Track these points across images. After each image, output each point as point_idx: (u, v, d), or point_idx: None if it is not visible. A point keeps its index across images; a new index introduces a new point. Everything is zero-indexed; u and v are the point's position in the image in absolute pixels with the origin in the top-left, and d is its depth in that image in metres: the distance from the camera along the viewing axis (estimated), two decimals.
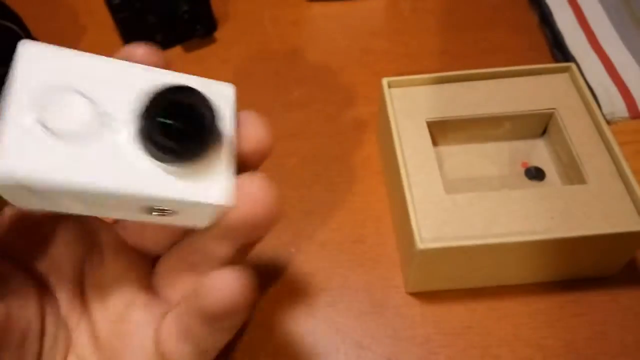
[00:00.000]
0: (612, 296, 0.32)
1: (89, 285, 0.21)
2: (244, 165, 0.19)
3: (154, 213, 0.16)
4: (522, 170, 0.35)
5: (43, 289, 0.20)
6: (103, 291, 0.21)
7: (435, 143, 0.33)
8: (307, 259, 0.35)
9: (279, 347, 0.32)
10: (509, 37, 0.47)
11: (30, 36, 0.43)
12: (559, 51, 0.44)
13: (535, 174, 0.35)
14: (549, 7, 0.47)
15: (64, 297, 0.20)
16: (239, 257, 0.20)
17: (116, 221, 0.23)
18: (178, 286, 0.22)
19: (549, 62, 0.45)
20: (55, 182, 0.14)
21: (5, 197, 0.15)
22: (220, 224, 0.17)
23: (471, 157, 0.36)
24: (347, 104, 0.44)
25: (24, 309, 0.19)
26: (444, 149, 0.36)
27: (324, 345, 0.32)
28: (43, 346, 0.19)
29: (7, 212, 0.20)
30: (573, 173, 0.33)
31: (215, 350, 0.21)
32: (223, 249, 0.19)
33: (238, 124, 0.18)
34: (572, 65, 0.36)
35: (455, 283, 0.33)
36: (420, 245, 0.28)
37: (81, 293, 0.21)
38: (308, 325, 0.32)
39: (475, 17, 0.50)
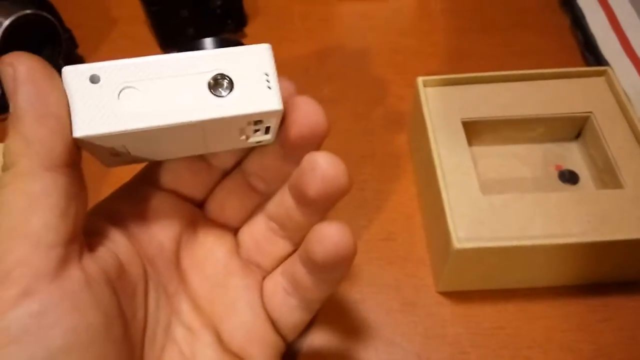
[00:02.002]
0: None
1: (185, 257, 0.22)
2: (304, 148, 0.20)
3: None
4: (556, 173, 0.35)
5: (144, 255, 0.21)
6: (198, 260, 0.23)
7: (468, 143, 0.33)
8: None
9: (310, 343, 0.32)
10: (540, 40, 0.47)
11: (64, 28, 0.44)
12: (591, 54, 0.44)
13: (569, 177, 0.35)
14: (582, 9, 0.47)
15: (163, 265, 0.21)
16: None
17: (203, 202, 0.24)
18: (266, 250, 0.24)
19: (580, 65, 0.45)
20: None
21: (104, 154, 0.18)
22: (285, 139, 0.20)
23: (504, 158, 0.36)
24: (376, 103, 0.44)
25: (131, 265, 0.20)
26: (477, 149, 0.36)
27: (354, 341, 0.32)
28: (148, 306, 0.20)
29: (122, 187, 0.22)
30: (609, 177, 0.33)
31: (319, 302, 0.23)
32: (289, 168, 0.21)
33: (292, 108, 0.19)
34: (609, 69, 0.36)
35: (486, 284, 0.33)
36: (457, 244, 0.28)
37: (177, 263, 0.22)
38: (339, 321, 0.33)
39: (505, 19, 0.49)
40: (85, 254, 0.17)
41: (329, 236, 0.19)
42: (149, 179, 0.22)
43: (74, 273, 0.16)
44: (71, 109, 0.16)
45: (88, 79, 0.16)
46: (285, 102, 0.18)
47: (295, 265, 0.22)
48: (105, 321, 0.17)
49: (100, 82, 0.16)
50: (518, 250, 0.29)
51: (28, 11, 0.39)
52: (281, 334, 0.24)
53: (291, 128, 0.19)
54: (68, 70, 0.16)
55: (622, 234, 0.29)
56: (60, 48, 0.42)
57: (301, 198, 0.21)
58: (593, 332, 0.32)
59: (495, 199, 0.31)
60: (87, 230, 0.18)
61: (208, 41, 0.19)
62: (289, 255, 0.24)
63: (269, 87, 0.18)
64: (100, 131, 0.16)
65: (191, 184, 0.23)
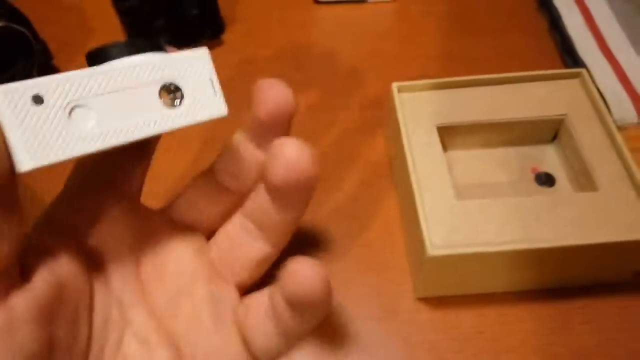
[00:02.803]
0: (622, 302, 0.32)
1: (144, 263, 0.21)
2: (271, 130, 0.20)
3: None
4: (532, 175, 0.35)
5: (93, 266, 0.20)
6: (160, 266, 0.21)
7: (444, 148, 0.33)
8: None
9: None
10: (519, 42, 0.47)
11: (38, 39, 0.43)
12: (569, 56, 0.44)
13: (546, 179, 0.35)
14: (558, 10, 0.47)
15: (117, 275, 0.20)
16: None
17: (167, 206, 0.23)
18: (242, 252, 0.23)
19: (559, 67, 0.45)
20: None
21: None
22: (254, 120, 0.20)
23: (480, 162, 0.36)
24: (355, 108, 0.44)
25: (75, 283, 0.18)
26: (453, 153, 0.36)
27: (332, 350, 0.31)
28: (93, 324, 0.19)
29: (63, 190, 0.20)
30: (584, 180, 0.33)
31: (298, 337, 0.22)
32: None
33: (258, 89, 0.20)
34: (583, 70, 0.36)
35: (464, 289, 0.32)
36: (431, 251, 0.28)
37: (136, 271, 0.21)
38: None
39: (484, 22, 0.49)
40: (13, 289, 0.16)
41: (301, 272, 0.19)
42: (89, 179, 0.20)
43: None
44: (10, 137, 0.14)
45: (29, 100, 0.14)
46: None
47: (276, 295, 0.21)
48: None
49: (45, 102, 0.15)
50: (494, 256, 0.29)
51: None
52: (253, 355, 0.22)
53: (259, 108, 0.19)
54: (1, 92, 0.14)
55: (596, 238, 0.28)
56: (33, 59, 0.42)
57: (271, 188, 0.20)
58: (571, 335, 0.31)
59: (470, 204, 0.30)
60: (27, 249, 0.17)
61: (118, 46, 0.18)
62: (266, 258, 0.23)
63: (215, 93, 0.18)
64: (53, 160, 0.15)
65: (130, 176, 0.21)
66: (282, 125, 0.20)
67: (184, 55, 0.17)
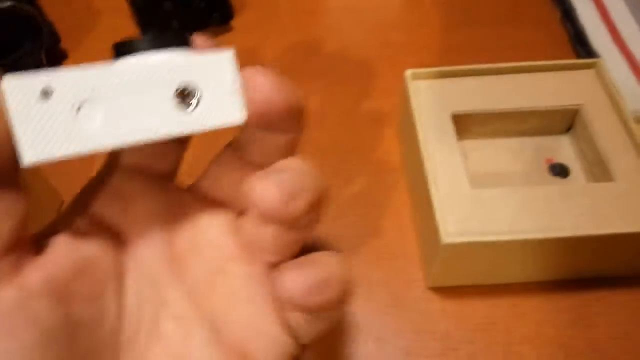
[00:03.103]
0: (635, 295, 0.32)
1: (177, 242, 0.20)
2: (275, 124, 0.18)
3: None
4: (546, 166, 0.35)
5: (124, 246, 0.19)
6: (193, 246, 0.20)
7: (458, 137, 0.33)
8: None
9: None
10: (531, 33, 0.47)
11: (45, 21, 0.43)
12: (581, 47, 0.44)
13: (560, 170, 0.34)
14: (572, 2, 0.46)
15: (150, 255, 0.20)
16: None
17: (196, 183, 0.22)
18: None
19: (571, 58, 0.45)
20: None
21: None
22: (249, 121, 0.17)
23: (494, 151, 0.36)
24: (365, 97, 0.43)
25: (100, 261, 0.18)
26: (467, 143, 0.36)
27: (343, 339, 0.31)
28: (125, 304, 0.19)
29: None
30: (599, 170, 0.32)
31: (333, 316, 0.20)
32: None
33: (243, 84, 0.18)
34: (599, 61, 0.35)
35: (477, 279, 0.32)
36: (446, 239, 0.28)
37: (169, 250, 0.20)
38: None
39: (496, 12, 0.49)
40: (27, 265, 0.16)
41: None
42: (118, 161, 0.20)
43: (4, 292, 0.15)
44: (16, 129, 0.14)
45: (37, 94, 0.14)
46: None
47: None
48: (42, 339, 0.15)
49: (53, 97, 0.14)
50: (508, 245, 0.28)
51: (7, 3, 0.38)
52: (293, 335, 0.21)
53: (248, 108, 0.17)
54: (10, 83, 0.14)
55: (612, 228, 0.28)
56: (41, 42, 0.41)
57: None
58: (585, 327, 0.31)
59: (484, 193, 0.30)
60: (53, 229, 0.17)
61: (144, 39, 0.17)
62: (297, 239, 0.21)
63: (234, 99, 0.17)
64: (56, 155, 0.14)
65: (161, 157, 0.20)
66: (290, 120, 0.18)
67: (208, 57, 0.17)
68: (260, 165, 0.20)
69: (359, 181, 0.38)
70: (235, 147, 0.21)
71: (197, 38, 0.18)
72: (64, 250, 0.17)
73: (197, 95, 0.16)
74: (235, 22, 0.48)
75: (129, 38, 0.17)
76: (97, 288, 0.18)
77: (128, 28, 0.47)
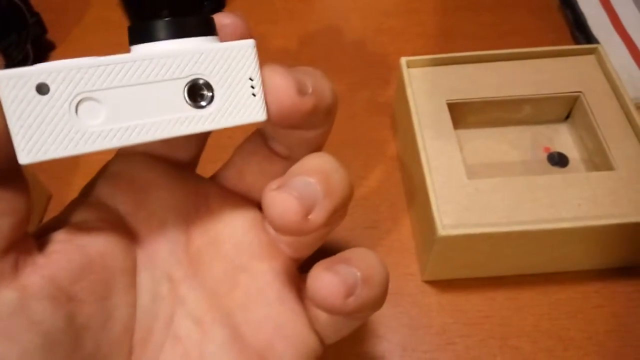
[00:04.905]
0: (636, 287, 0.31)
1: (196, 237, 0.19)
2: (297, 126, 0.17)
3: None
4: (545, 155, 0.34)
5: (137, 241, 0.18)
6: (213, 241, 0.19)
7: (454, 126, 0.32)
8: None
9: None
10: (529, 19, 0.46)
11: (32, 11, 0.42)
12: (581, 33, 0.43)
13: (558, 159, 0.33)
14: None
15: (165, 250, 0.18)
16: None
17: (217, 174, 0.21)
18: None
19: (570, 45, 0.44)
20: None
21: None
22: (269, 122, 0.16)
23: (491, 141, 0.35)
24: (360, 86, 0.42)
25: (108, 259, 0.17)
26: (463, 132, 0.35)
27: None
28: (138, 301, 0.18)
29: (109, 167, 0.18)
30: (599, 159, 0.31)
31: (364, 315, 0.19)
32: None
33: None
34: (599, 46, 0.34)
35: (473, 271, 0.31)
36: (442, 231, 0.27)
37: (187, 245, 0.19)
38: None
39: None
40: (27, 265, 0.15)
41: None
42: (131, 149, 0.19)
43: (3, 294, 0.14)
44: (11, 127, 0.13)
45: (33, 89, 0.13)
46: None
47: None
48: (44, 342, 0.15)
49: (51, 92, 0.13)
50: (505, 237, 0.28)
51: None
52: (318, 334, 0.19)
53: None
54: (3, 78, 0.13)
55: (614, 218, 0.27)
56: (27, 33, 0.40)
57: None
58: (584, 319, 0.30)
59: (481, 183, 0.29)
60: (56, 225, 0.16)
61: (161, 25, 0.15)
62: (321, 235, 0.20)
63: (253, 94, 0.15)
64: (53, 155, 0.14)
65: (180, 145, 0.19)
66: (311, 121, 0.17)
67: (226, 47, 0.15)
68: (288, 158, 0.19)
69: (354, 172, 0.37)
70: (262, 136, 0.20)
71: (220, 16, 0.16)
72: (68, 249, 0.16)
73: (213, 89, 0.15)
74: (227, 10, 0.47)
75: (144, 22, 0.15)
76: (104, 288, 0.17)
77: (118, 19, 0.46)
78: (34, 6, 0.42)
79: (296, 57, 0.44)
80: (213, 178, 0.21)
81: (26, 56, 0.41)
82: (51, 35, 0.44)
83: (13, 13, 0.39)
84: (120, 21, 0.46)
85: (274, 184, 0.16)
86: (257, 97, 0.15)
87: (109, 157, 0.19)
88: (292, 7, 0.48)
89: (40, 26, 0.43)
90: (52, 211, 0.35)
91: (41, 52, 0.44)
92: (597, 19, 0.43)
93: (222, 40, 0.15)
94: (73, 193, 0.18)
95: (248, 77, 0.15)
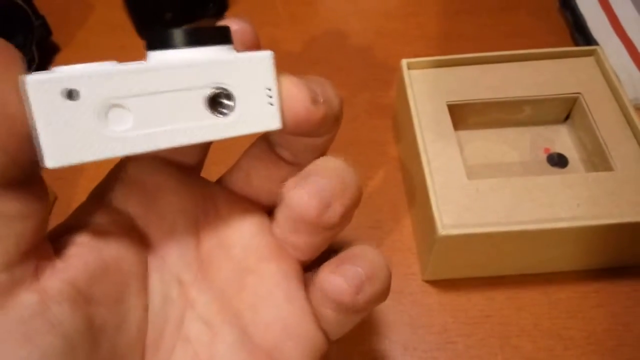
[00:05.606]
0: (634, 287, 0.32)
1: (205, 240, 0.20)
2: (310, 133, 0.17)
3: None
4: (544, 156, 0.34)
5: (148, 244, 0.19)
6: (221, 244, 0.20)
7: (454, 127, 0.32)
8: None
9: None
10: (528, 21, 0.46)
11: (37, 14, 0.42)
12: (581, 35, 0.43)
13: (558, 160, 0.34)
14: None
15: (175, 253, 0.19)
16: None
17: (224, 178, 0.21)
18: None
19: (570, 47, 0.44)
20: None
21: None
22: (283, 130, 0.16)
23: (491, 142, 0.35)
24: (361, 88, 0.43)
25: (122, 262, 0.17)
26: (464, 133, 0.35)
27: None
28: (149, 304, 0.18)
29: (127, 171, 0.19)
30: (598, 160, 0.32)
31: (366, 310, 0.19)
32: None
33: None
34: (598, 48, 0.34)
35: (474, 271, 0.32)
36: (442, 231, 0.27)
37: (196, 248, 0.19)
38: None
39: (493, 0, 0.48)
40: (46, 268, 0.15)
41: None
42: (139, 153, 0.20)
43: (25, 298, 0.14)
44: (39, 129, 0.13)
45: (62, 94, 0.13)
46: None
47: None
48: (64, 345, 0.15)
49: (80, 98, 0.13)
50: (505, 236, 0.28)
51: None
52: (325, 331, 0.20)
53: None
54: (34, 82, 0.13)
55: (614, 218, 0.28)
56: (32, 35, 0.41)
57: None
58: (584, 319, 0.31)
59: (481, 184, 0.30)
60: (70, 228, 0.17)
61: (181, 33, 0.16)
62: (326, 237, 0.20)
63: (271, 104, 0.16)
64: (78, 160, 0.14)
65: (186, 149, 0.19)
66: (321, 129, 0.17)
67: (245, 58, 0.15)
68: (294, 163, 0.20)
69: None
70: (268, 141, 0.20)
71: (229, 22, 0.17)
72: (85, 252, 0.16)
73: (234, 98, 0.15)
74: (230, 13, 0.48)
75: (164, 29, 0.15)
76: (120, 290, 0.17)
77: (122, 21, 0.46)
78: (38, 9, 0.42)
79: (298, 59, 0.45)
80: (219, 181, 0.21)
81: (31, 58, 0.41)
82: (56, 38, 0.45)
83: (19, 15, 0.40)
84: (124, 24, 0.46)
85: (291, 183, 0.17)
86: (274, 106, 0.16)
87: (115, 160, 0.20)
88: (294, 10, 0.48)
89: (46, 28, 0.43)
90: (57, 212, 0.35)
91: (46, 54, 0.44)
92: (596, 20, 0.43)
93: (234, 47, 0.16)
94: (78, 194, 0.19)
95: (266, 87, 0.16)
